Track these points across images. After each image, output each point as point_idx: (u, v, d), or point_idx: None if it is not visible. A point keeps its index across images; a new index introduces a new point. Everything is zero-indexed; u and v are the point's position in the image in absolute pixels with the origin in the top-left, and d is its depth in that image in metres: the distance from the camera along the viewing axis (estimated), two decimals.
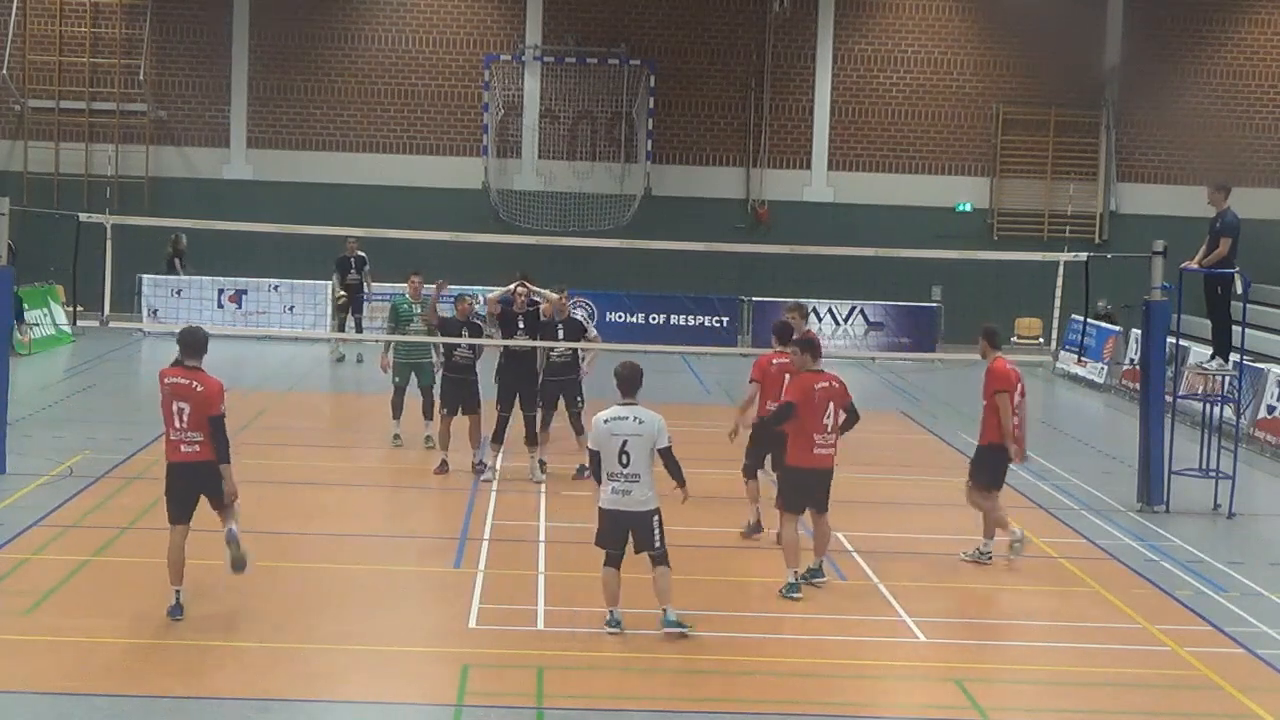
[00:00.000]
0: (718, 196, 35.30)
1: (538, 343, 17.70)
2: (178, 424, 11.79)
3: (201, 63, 35.09)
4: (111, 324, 19.63)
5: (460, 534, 15.15)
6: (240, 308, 32.19)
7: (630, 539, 11.87)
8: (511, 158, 35.39)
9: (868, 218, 34.71)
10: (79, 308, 20.30)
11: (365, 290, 28.87)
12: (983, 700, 10.89)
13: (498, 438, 17.65)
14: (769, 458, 15.17)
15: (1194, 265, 17.79)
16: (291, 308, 31.92)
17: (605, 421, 11.84)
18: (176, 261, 32.29)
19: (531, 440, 17.71)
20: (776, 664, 11.47)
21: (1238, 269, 17.64)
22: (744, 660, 11.47)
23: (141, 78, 34.51)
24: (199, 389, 11.77)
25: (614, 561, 11.90)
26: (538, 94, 35.23)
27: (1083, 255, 18.40)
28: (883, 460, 19.89)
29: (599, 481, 11.90)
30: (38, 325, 28.60)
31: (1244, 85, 35.79)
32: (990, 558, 14.47)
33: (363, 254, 28.45)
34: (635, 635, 11.94)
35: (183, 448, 11.83)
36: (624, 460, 11.70)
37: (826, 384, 13.24)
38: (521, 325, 17.64)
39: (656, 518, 11.86)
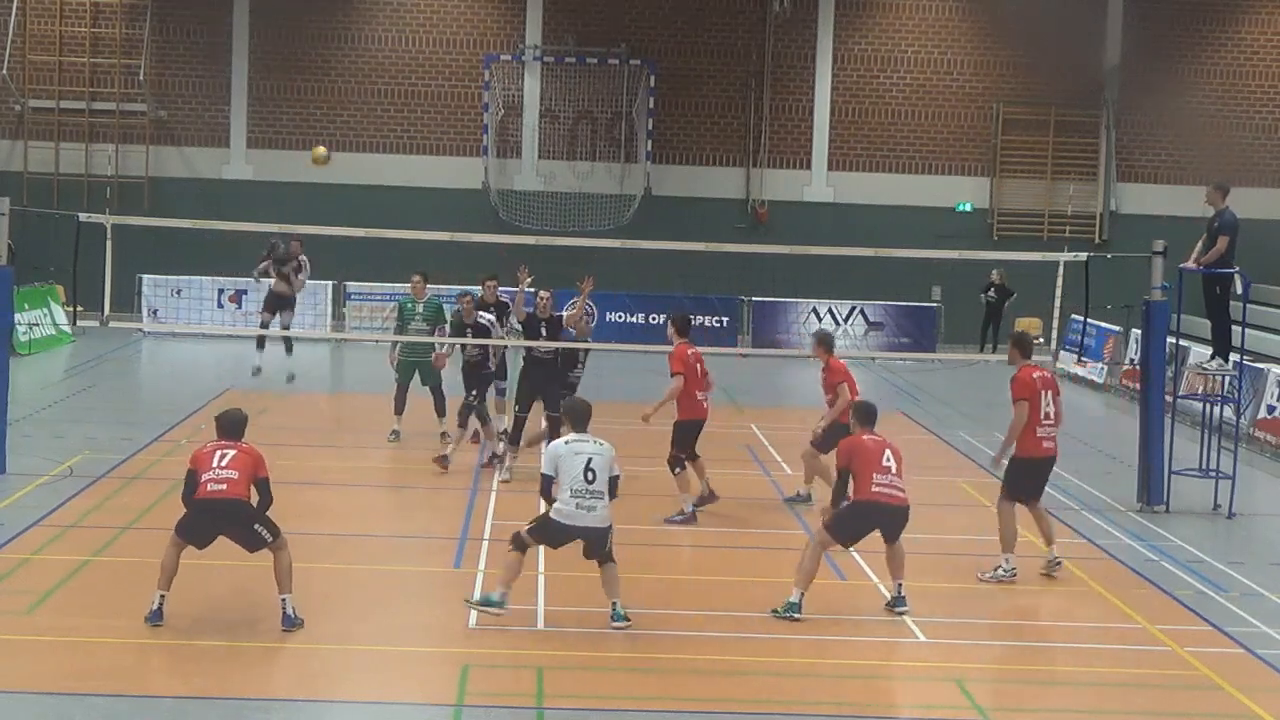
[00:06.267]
0: (718, 196, 35.30)
1: (532, 342, 17.78)
2: (214, 465, 11.68)
3: (201, 63, 35.10)
4: (111, 324, 19.63)
5: (460, 534, 15.15)
6: (240, 308, 32.18)
7: (581, 547, 12.04)
8: (511, 158, 35.40)
9: (868, 218, 34.71)
10: (79, 308, 20.28)
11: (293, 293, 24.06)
12: (983, 700, 10.89)
13: (514, 439, 17.70)
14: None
15: (1191, 265, 17.80)
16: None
17: (566, 443, 12.01)
18: (272, 268, 25.89)
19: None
20: (776, 664, 11.47)
21: (1237, 269, 17.64)
22: (744, 660, 11.47)
23: (141, 78, 34.51)
24: (245, 446, 11.93)
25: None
26: (538, 94, 35.24)
27: (1083, 255, 18.40)
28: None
29: (549, 502, 11.97)
30: (37, 325, 28.61)
31: (1244, 85, 35.80)
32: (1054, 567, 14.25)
33: (302, 260, 24.13)
34: (635, 635, 11.95)
35: (210, 486, 11.61)
36: (589, 476, 11.81)
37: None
38: (544, 332, 17.76)
39: (612, 533, 12.06)
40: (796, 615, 12.45)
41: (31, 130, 34.91)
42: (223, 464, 11.69)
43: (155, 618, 11.56)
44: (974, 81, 35.65)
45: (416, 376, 19.86)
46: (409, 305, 19.98)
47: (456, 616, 12.22)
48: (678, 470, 16.01)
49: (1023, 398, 14.07)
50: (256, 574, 12.13)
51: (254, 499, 11.83)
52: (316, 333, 31.18)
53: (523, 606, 12.58)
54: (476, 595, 12.29)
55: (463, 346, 18.74)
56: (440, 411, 19.61)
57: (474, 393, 18.54)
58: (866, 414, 13.17)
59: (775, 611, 12.53)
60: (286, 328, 23.62)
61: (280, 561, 11.72)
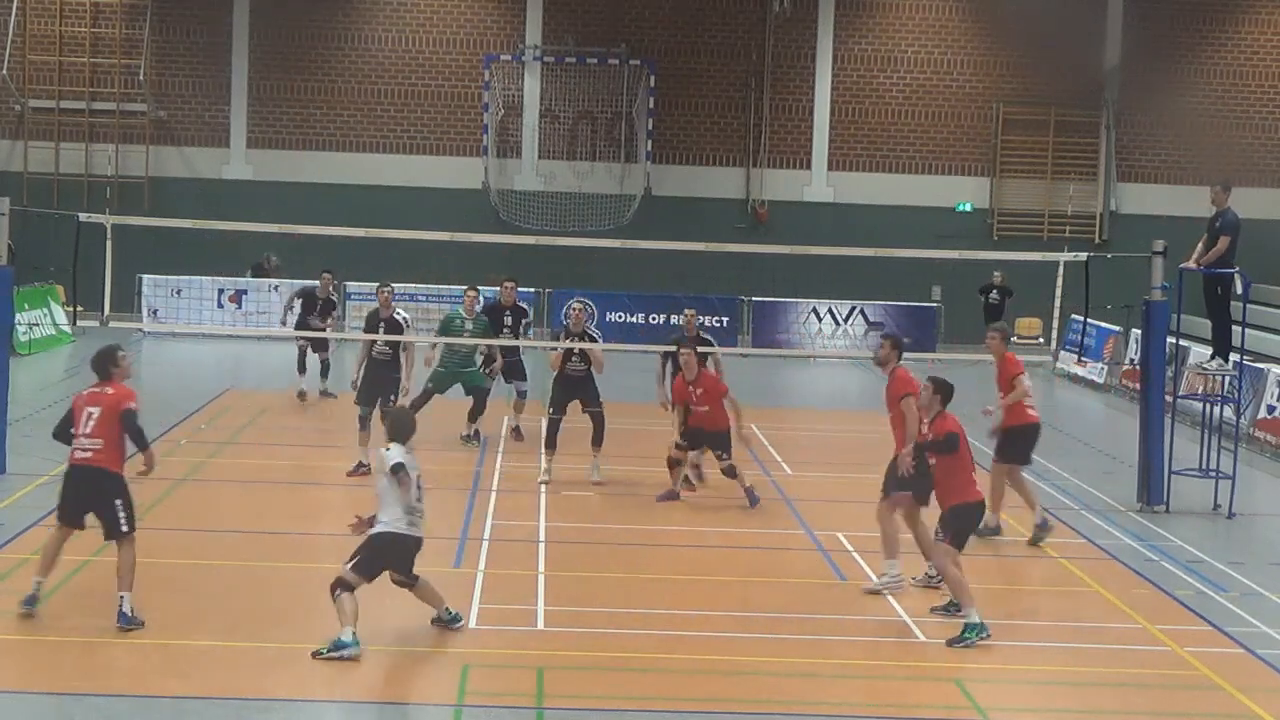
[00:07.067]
0: (718, 196, 35.31)
1: (535, 342, 17.77)
2: (82, 429, 11.72)
3: (201, 63, 35.11)
4: (111, 324, 19.62)
5: (460, 534, 15.14)
6: (240, 308, 32.18)
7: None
8: (511, 158, 35.41)
9: (868, 218, 34.72)
10: (79, 308, 20.28)
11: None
12: (983, 700, 10.89)
13: (549, 442, 17.57)
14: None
15: (1192, 264, 17.79)
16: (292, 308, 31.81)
17: (408, 453, 11.63)
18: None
19: (597, 441, 17.71)
20: (776, 664, 11.47)
21: (1238, 269, 17.64)
22: (744, 660, 11.47)
23: (141, 78, 34.52)
24: (109, 393, 11.84)
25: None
26: (538, 94, 35.25)
27: (1083, 255, 18.40)
28: (882, 460, 19.83)
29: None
30: (37, 325, 28.60)
31: (1244, 85, 35.81)
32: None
33: (334, 298, 25.02)
34: (635, 635, 11.96)
35: (78, 453, 11.73)
36: (419, 494, 11.62)
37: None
38: (575, 343, 17.82)
39: None
40: (985, 634, 11.95)
41: (31, 130, 34.91)
42: (89, 428, 11.69)
43: (30, 602, 11.67)
44: (974, 81, 35.65)
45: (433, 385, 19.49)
46: (457, 321, 19.45)
47: None
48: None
49: (910, 392, 13.50)
50: (255, 574, 12.13)
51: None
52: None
53: (523, 606, 12.60)
54: (327, 645, 11.06)
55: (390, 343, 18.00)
56: (477, 412, 19.56)
57: (392, 397, 17.68)
58: (949, 392, 12.61)
59: (963, 640, 11.98)
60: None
61: (124, 558, 11.65)
